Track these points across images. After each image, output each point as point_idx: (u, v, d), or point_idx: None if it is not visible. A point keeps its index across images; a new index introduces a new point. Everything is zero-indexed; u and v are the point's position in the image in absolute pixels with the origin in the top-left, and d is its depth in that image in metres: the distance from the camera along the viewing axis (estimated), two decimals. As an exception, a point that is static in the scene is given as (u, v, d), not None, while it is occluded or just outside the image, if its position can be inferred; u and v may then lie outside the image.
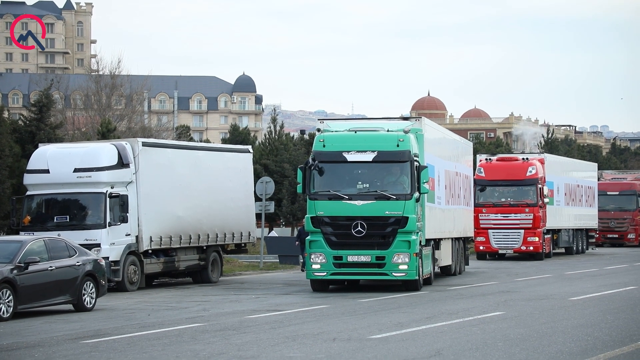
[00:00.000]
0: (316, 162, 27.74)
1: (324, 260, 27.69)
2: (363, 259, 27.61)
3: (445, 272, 35.23)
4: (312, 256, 27.85)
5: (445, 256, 33.99)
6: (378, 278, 28.39)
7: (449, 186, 34.45)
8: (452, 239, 35.18)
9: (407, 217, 27.37)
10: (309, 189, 27.74)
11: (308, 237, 28.28)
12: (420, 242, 28.41)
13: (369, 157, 27.66)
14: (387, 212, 27.40)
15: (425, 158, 29.48)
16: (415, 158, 27.91)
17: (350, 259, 27.64)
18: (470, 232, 39.64)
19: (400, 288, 28.51)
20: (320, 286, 28.66)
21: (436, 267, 32.38)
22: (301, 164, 28.60)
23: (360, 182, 27.85)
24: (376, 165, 27.72)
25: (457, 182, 36.11)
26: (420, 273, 28.36)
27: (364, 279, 29.19)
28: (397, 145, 27.56)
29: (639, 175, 69.68)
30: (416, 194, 27.72)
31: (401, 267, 27.50)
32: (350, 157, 27.71)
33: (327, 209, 27.66)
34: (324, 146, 27.90)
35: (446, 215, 33.99)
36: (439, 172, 32.43)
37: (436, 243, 32.06)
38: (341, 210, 27.57)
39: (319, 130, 28.74)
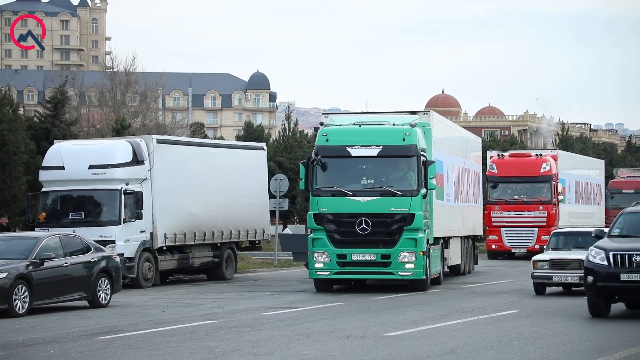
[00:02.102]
0: (319, 157, 26.80)
1: (327, 259, 26.78)
2: (368, 257, 26.69)
3: (454, 271, 34.49)
4: (315, 255, 26.90)
5: (454, 255, 33.28)
6: (383, 277, 27.59)
7: (458, 183, 33.76)
8: (461, 237, 34.47)
9: (414, 214, 26.49)
10: (312, 185, 26.83)
11: (310, 235, 27.41)
12: (428, 240, 27.58)
13: (373, 151, 26.72)
14: (392, 209, 26.49)
15: (434, 153, 28.67)
16: (422, 153, 27.01)
17: (355, 257, 26.73)
18: (479, 230, 38.92)
19: (407, 288, 27.73)
20: (323, 286, 27.77)
21: (445, 267, 31.65)
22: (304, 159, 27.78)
23: (364, 178, 26.90)
24: (381, 160, 26.79)
25: (466, 179, 35.45)
26: (428, 272, 27.49)
27: (368, 278, 28.37)
28: (403, 140, 26.61)
29: (655, 173, 69.40)
30: (423, 190, 26.79)
31: (407, 266, 26.61)
32: (354, 151, 26.77)
33: (330, 205, 26.73)
34: (327, 140, 26.95)
35: (455, 212, 33.33)
36: (447, 168, 31.69)
37: (445, 242, 31.32)
38: (345, 207, 26.66)
39: (322, 124, 27.72)
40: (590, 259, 20.09)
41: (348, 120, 28.14)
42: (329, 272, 26.93)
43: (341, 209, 26.68)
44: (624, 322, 19.95)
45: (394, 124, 27.22)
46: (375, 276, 27.66)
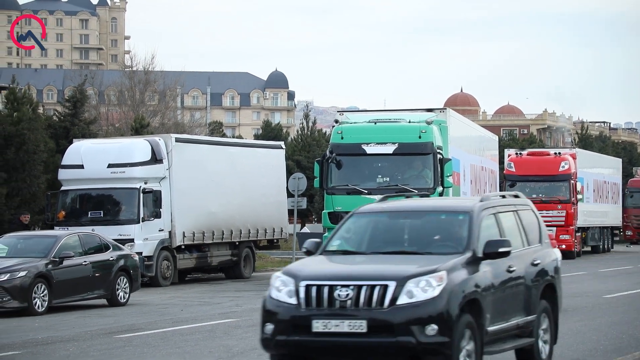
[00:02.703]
0: (334, 154, 26.19)
1: None
2: None
3: None
4: None
5: None
6: None
7: (475, 181, 33.09)
8: None
9: None
10: (327, 183, 26.27)
11: (325, 234, 26.59)
12: None
13: (389, 149, 26.03)
14: None
15: (450, 151, 28.02)
16: (438, 150, 26.39)
17: None
18: None
19: None
20: None
21: None
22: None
23: (380, 176, 26.26)
24: (397, 157, 26.09)
25: (483, 177, 34.80)
26: None
27: None
28: (419, 137, 25.96)
29: (674, 172, 69.01)
30: (439, 188, 26.12)
31: None
32: (369, 149, 26.09)
33: (345, 204, 25.75)
34: (342, 138, 26.33)
35: None
36: (464, 166, 31.04)
37: None
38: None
39: (337, 121, 27.21)
40: (273, 293, 11.93)
41: (363, 117, 27.66)
42: None
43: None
44: None
45: (409, 122, 26.69)
46: None
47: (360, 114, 28.59)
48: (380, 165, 26.32)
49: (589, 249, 51.56)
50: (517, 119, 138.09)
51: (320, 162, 26.44)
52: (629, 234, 63.09)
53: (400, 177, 26.22)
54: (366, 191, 25.95)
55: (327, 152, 26.52)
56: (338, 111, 28.54)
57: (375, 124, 26.73)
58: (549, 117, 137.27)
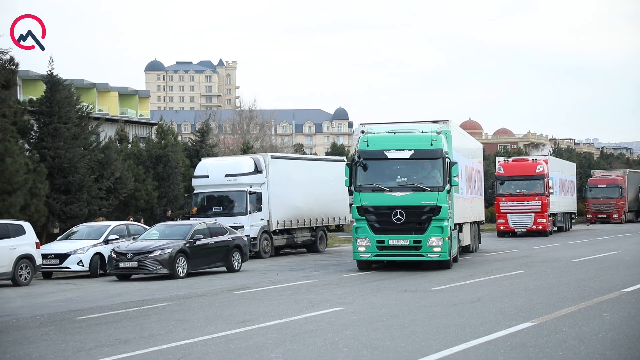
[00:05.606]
0: (361, 159, 23.74)
1: (368, 244, 23.19)
2: (402, 242, 23.46)
3: (465, 250, 31.20)
4: (358, 240, 23.31)
5: (466, 237, 30.15)
6: (415, 259, 24.01)
7: (468, 179, 30.92)
8: (470, 222, 31.25)
9: (440, 207, 23.02)
10: (355, 183, 23.78)
11: (354, 224, 24.19)
12: (450, 227, 24.54)
13: (406, 154, 23.61)
14: (422, 202, 23.05)
15: (452, 155, 25.80)
16: (446, 155, 24.09)
17: (391, 242, 23.17)
18: (482, 217, 35.15)
19: (433, 266, 24.45)
20: (365, 265, 24.10)
21: (459, 247, 28.31)
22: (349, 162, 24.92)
23: (399, 176, 23.82)
24: (413, 161, 23.65)
25: (473, 176, 32.78)
26: (451, 254, 24.44)
27: (403, 259, 24.67)
28: (431, 144, 23.54)
29: (621, 173, 67.77)
30: (447, 186, 23.78)
31: (435, 249, 23.43)
32: (390, 154, 23.67)
33: (370, 199, 23.31)
34: (367, 145, 23.86)
35: (466, 203, 30.36)
36: (461, 167, 28.56)
37: (460, 227, 28.20)
38: (383, 201, 23.19)
39: (362, 132, 24.70)
40: None
41: (382, 128, 25.00)
42: (370, 255, 23.33)
43: (380, 202, 23.57)
44: (600, 278, 19.36)
45: (422, 132, 24.40)
46: (408, 258, 24.08)
47: (379, 126, 25.41)
48: (399, 168, 23.96)
49: (556, 228, 50.64)
50: (509, 137, 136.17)
51: (349, 166, 24.09)
52: (589, 217, 62.29)
53: (416, 178, 23.79)
54: (387, 189, 23.56)
55: (355, 157, 24.11)
56: (360, 123, 26.04)
57: (394, 134, 24.33)
58: (531, 136, 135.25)
